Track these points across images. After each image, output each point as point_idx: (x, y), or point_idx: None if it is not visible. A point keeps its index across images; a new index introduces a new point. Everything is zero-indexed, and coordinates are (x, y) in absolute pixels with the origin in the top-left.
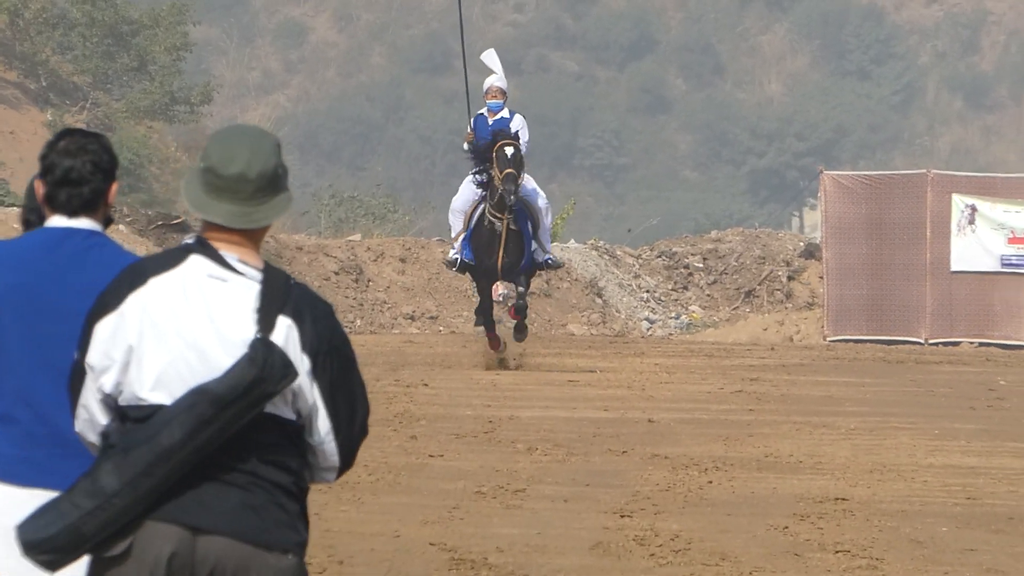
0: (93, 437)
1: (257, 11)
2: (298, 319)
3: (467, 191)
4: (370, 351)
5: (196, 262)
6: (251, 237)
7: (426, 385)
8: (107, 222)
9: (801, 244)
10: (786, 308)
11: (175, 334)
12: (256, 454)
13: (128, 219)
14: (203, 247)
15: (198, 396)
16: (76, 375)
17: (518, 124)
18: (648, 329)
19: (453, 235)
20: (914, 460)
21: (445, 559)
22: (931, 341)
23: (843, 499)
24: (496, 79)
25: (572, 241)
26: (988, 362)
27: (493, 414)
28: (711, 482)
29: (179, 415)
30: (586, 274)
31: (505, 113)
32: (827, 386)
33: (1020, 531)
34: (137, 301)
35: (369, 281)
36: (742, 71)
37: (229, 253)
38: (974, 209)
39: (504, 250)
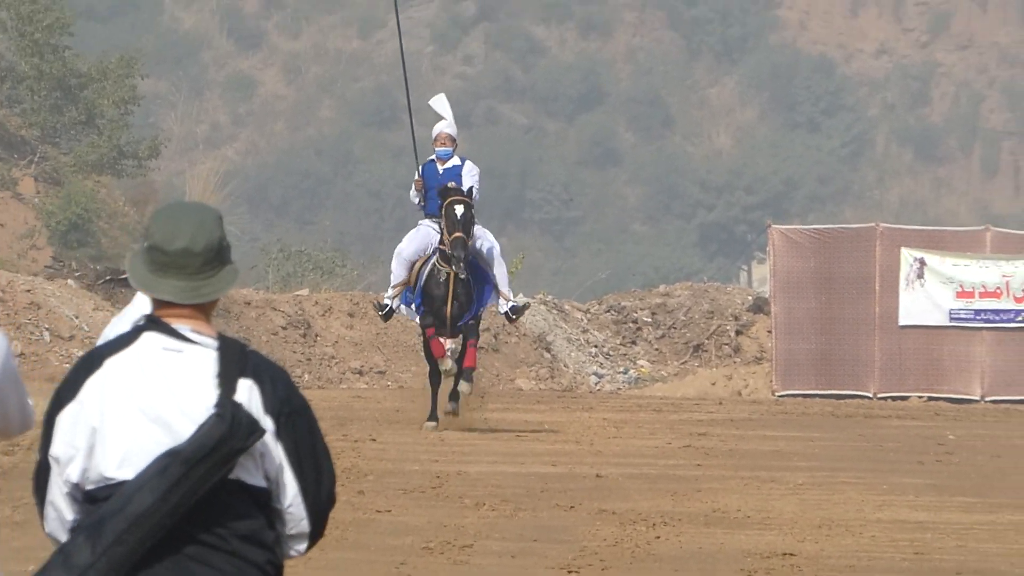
0: (63, 537)
1: (206, 64)
2: (259, 381)
3: (418, 240)
4: (317, 406)
5: (150, 338)
6: (202, 310)
7: (374, 440)
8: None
9: (750, 298)
10: (734, 362)
11: (137, 410)
12: (232, 530)
13: (77, 274)
14: (155, 323)
15: (168, 459)
16: (40, 473)
17: (469, 171)
18: (596, 384)
19: (393, 282)
20: (862, 515)
21: None
22: (880, 395)
23: (791, 554)
24: (445, 125)
25: (520, 295)
26: (937, 416)
27: (441, 469)
28: (659, 537)
29: (150, 480)
30: (534, 328)
31: (456, 160)
32: (775, 440)
33: None
34: (95, 385)
35: (317, 336)
36: (691, 124)
37: (182, 325)
38: (923, 263)
39: (453, 300)
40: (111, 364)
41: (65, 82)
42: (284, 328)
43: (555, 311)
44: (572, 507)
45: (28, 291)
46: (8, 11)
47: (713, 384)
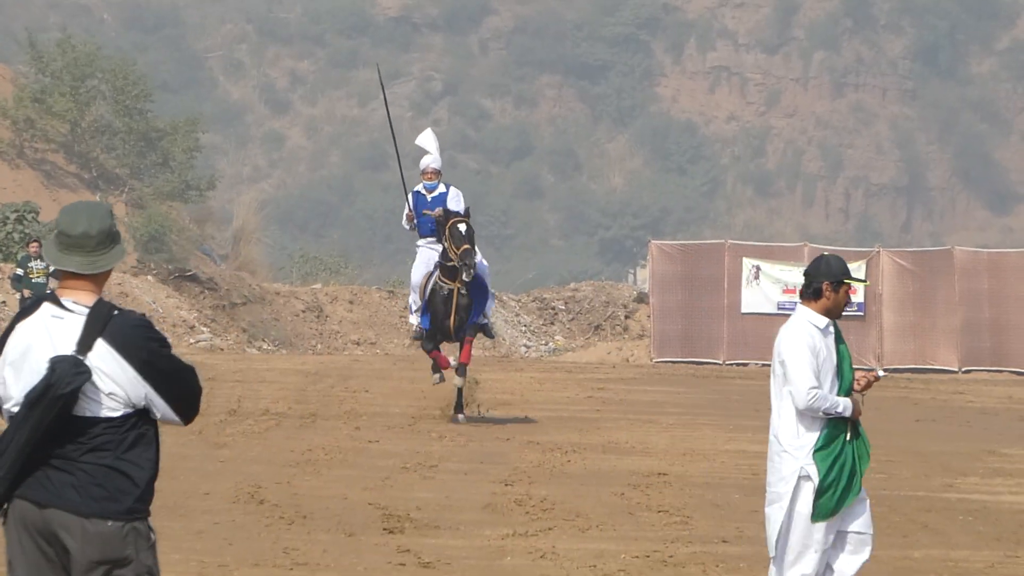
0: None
1: (248, 124)
2: (112, 340)
3: (421, 264)
4: (327, 367)
5: (45, 307)
6: (96, 281)
7: (367, 391)
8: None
9: (635, 292)
10: (623, 338)
11: (26, 362)
12: (80, 447)
13: (154, 272)
14: (51, 296)
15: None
16: None
17: (454, 196)
18: (525, 352)
19: (413, 310)
20: (715, 447)
21: (379, 515)
22: (727, 362)
23: (664, 474)
24: (431, 160)
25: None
26: (767, 378)
27: (415, 412)
28: (569, 461)
29: (10, 421)
30: None
31: (441, 188)
32: (652, 393)
33: None
34: (9, 344)
35: (327, 317)
36: (594, 169)
37: (66, 298)
38: (759, 268)
39: (455, 313)
40: (19, 328)
41: (147, 135)
42: (303, 311)
43: (496, 301)
44: (508, 439)
45: (119, 284)
46: (107, 84)
47: (608, 353)
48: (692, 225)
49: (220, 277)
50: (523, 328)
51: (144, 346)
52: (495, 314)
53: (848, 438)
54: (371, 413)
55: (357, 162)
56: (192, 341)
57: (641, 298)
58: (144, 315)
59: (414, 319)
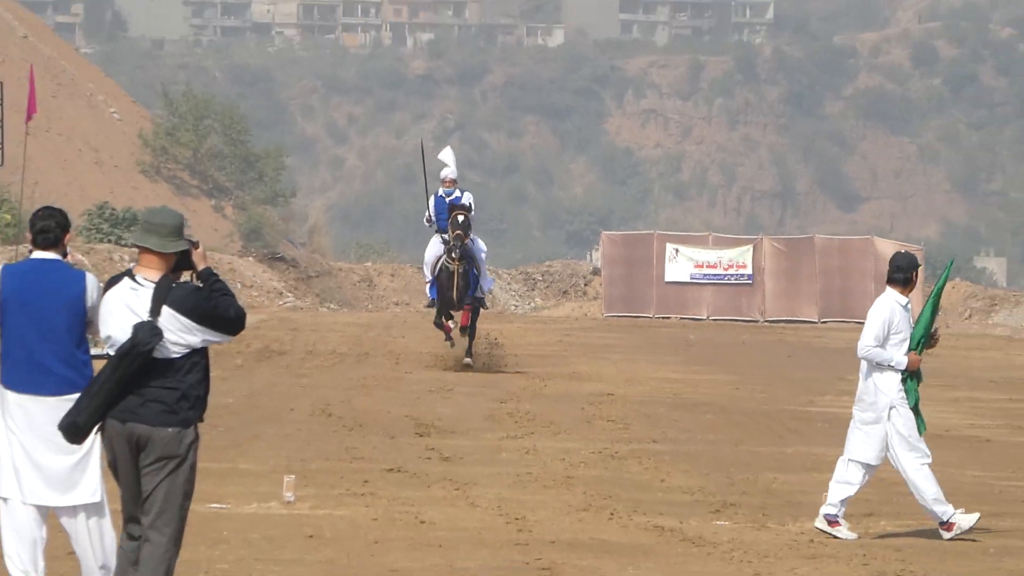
0: (110, 348)
1: (318, 151)
2: (174, 305)
3: (432, 250)
4: (375, 321)
5: (124, 281)
6: (164, 260)
7: (403, 337)
8: (63, 254)
9: (591, 268)
10: (583, 299)
11: (117, 320)
12: (150, 377)
13: (253, 254)
14: (128, 274)
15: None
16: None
17: (466, 198)
18: (514, 310)
19: (427, 278)
20: (647, 375)
21: (412, 423)
22: (655, 316)
23: (611, 394)
24: (449, 172)
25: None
26: (684, 327)
27: (438, 352)
28: (545, 385)
29: (116, 359)
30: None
31: (457, 193)
32: (604, 338)
33: (700, 410)
34: (103, 305)
35: (375, 285)
36: (562, 182)
37: (139, 274)
38: (677, 250)
39: (457, 286)
40: (108, 295)
41: (247, 158)
42: (358, 282)
43: (495, 277)
44: (500, 371)
45: (229, 263)
46: (218, 122)
47: (572, 310)
48: (630, 221)
49: (300, 258)
50: (513, 293)
51: (198, 305)
52: (498, 287)
53: (912, 380)
54: (406, 353)
55: (395, 178)
56: (280, 303)
57: (595, 272)
58: (198, 286)
59: (428, 291)
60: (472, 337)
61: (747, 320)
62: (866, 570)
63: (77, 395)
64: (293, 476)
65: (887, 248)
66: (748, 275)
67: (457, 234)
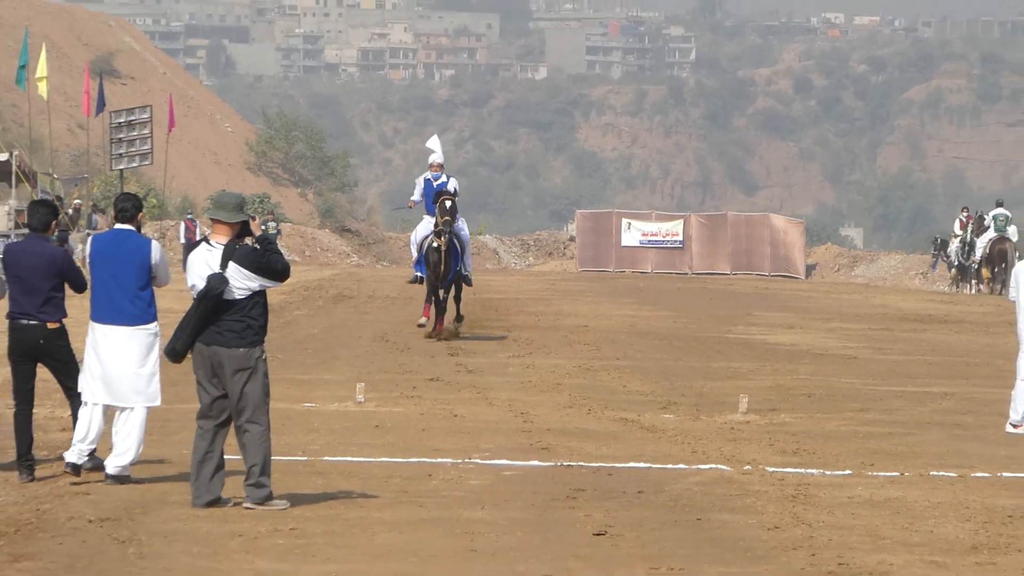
0: (194, 293)
1: (372, 154)
2: (238, 261)
3: (422, 229)
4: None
5: (204, 244)
6: (230, 228)
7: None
8: (138, 227)
9: (569, 236)
10: (563, 258)
11: (198, 272)
12: (223, 313)
13: (328, 227)
14: (206, 240)
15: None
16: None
17: (452, 184)
18: (514, 266)
19: (414, 256)
20: (611, 313)
21: (445, 347)
22: (615, 271)
23: (586, 326)
24: (436, 157)
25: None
26: (635, 278)
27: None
28: (539, 320)
29: (197, 301)
30: (491, 245)
31: (444, 178)
32: (579, 287)
33: (649, 337)
34: (190, 259)
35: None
36: (546, 175)
37: (213, 239)
38: (630, 224)
39: (443, 264)
40: (193, 253)
41: (323, 159)
42: (403, 246)
43: (499, 241)
44: (498, 310)
45: (312, 234)
46: (301, 133)
47: (555, 267)
48: (595, 203)
49: (361, 230)
50: (512, 255)
51: (255, 260)
52: (501, 249)
53: None
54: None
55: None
56: (349, 262)
57: (572, 239)
58: (255, 246)
59: (414, 268)
60: (458, 305)
61: (679, 273)
62: (771, 448)
63: (143, 325)
64: (363, 384)
65: (779, 222)
66: (680, 241)
67: (446, 219)
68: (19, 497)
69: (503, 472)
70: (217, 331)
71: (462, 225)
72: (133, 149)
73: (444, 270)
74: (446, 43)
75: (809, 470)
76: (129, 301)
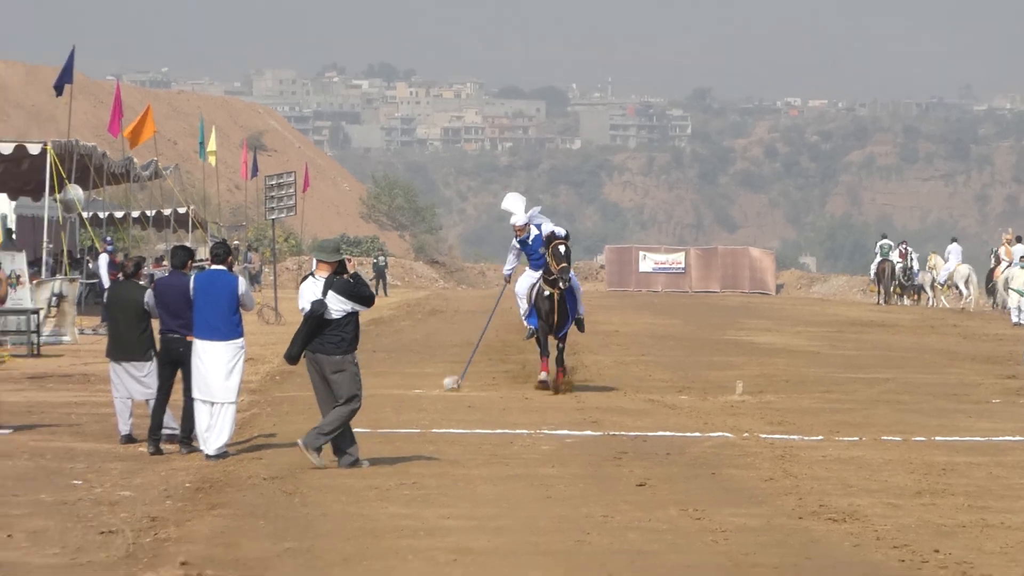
0: (303, 313)
1: (453, 206)
2: (335, 289)
3: (525, 281)
4: (486, 294)
5: (311, 278)
6: (330, 266)
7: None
8: (229, 267)
9: (600, 265)
10: (596, 281)
11: (307, 298)
12: (324, 329)
13: (420, 260)
14: (312, 275)
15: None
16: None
17: (547, 227)
18: None
19: (522, 312)
20: (635, 320)
21: (515, 348)
22: (635, 290)
23: (618, 331)
24: (516, 219)
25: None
26: (651, 296)
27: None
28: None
29: (304, 320)
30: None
31: (534, 231)
32: (609, 303)
33: (666, 339)
34: (301, 288)
35: (485, 275)
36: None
37: (317, 274)
38: (645, 255)
39: (557, 313)
40: (304, 284)
41: (416, 209)
42: (477, 274)
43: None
44: None
45: (409, 266)
46: (401, 190)
47: (590, 288)
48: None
49: (445, 262)
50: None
51: (348, 290)
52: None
53: None
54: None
55: (492, 219)
56: (437, 286)
57: (602, 267)
58: (349, 279)
59: (525, 323)
60: (563, 351)
61: (683, 291)
62: (762, 420)
63: (232, 340)
64: (457, 376)
65: (755, 252)
66: (682, 267)
67: (563, 266)
68: (203, 464)
69: (565, 440)
70: (320, 343)
71: (572, 273)
72: (282, 203)
73: (558, 320)
74: (506, 123)
75: (791, 436)
76: (222, 322)
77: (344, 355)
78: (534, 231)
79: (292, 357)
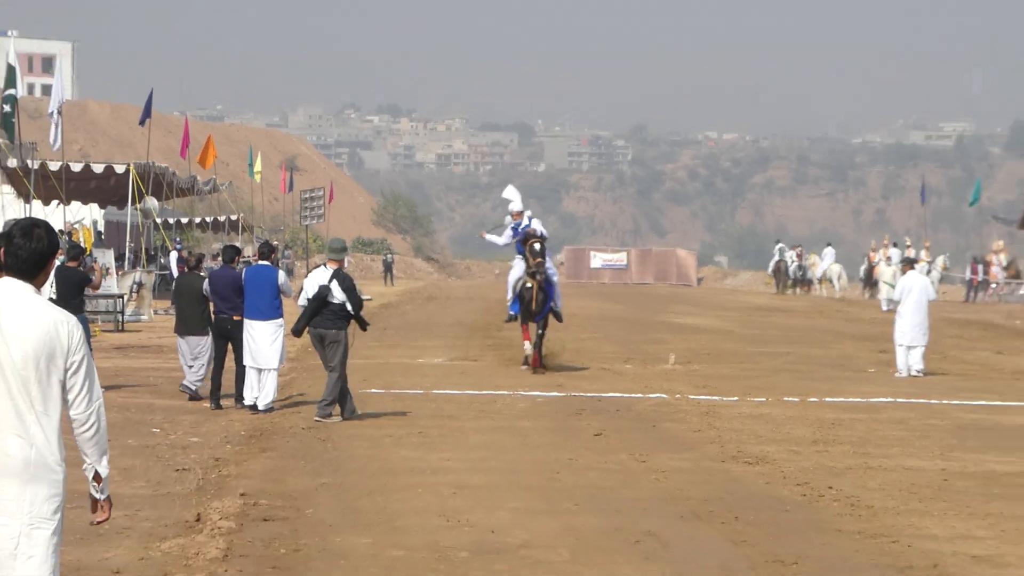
0: (303, 301)
1: (444, 214)
2: (336, 280)
3: (515, 272)
4: (474, 285)
5: (321, 267)
6: (338, 262)
7: (488, 291)
8: (274, 262)
9: (560, 262)
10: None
11: (313, 284)
12: (329, 308)
13: (419, 256)
14: (324, 265)
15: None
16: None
17: (537, 224)
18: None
19: (508, 297)
20: (587, 306)
21: (500, 325)
22: (587, 281)
23: (574, 315)
24: (514, 206)
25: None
26: (600, 287)
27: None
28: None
29: (311, 300)
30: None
31: (526, 221)
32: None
33: (612, 320)
34: (310, 275)
35: (471, 270)
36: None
37: (327, 266)
38: (595, 255)
39: (535, 300)
40: (312, 273)
41: (415, 217)
42: (464, 269)
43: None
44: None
45: (408, 261)
46: (403, 203)
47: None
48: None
49: (439, 259)
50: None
51: (346, 284)
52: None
53: None
54: (490, 298)
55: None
56: (432, 278)
57: (562, 263)
58: (350, 275)
59: (509, 309)
60: (542, 336)
61: (624, 283)
62: (690, 384)
63: (274, 319)
64: (450, 350)
65: (681, 253)
66: (625, 264)
67: (538, 261)
68: (254, 416)
69: (537, 399)
70: (322, 319)
71: (550, 265)
72: (314, 212)
73: (536, 307)
74: (486, 150)
75: (713, 397)
76: (267, 305)
77: (339, 331)
78: (526, 221)
79: (297, 331)
